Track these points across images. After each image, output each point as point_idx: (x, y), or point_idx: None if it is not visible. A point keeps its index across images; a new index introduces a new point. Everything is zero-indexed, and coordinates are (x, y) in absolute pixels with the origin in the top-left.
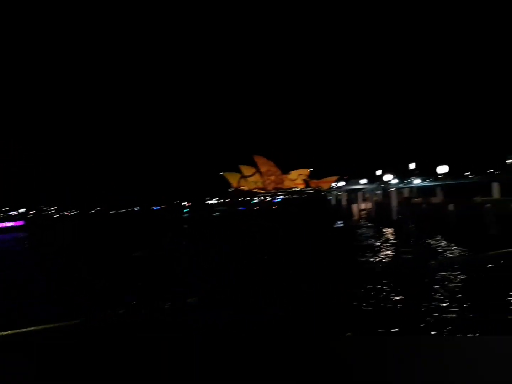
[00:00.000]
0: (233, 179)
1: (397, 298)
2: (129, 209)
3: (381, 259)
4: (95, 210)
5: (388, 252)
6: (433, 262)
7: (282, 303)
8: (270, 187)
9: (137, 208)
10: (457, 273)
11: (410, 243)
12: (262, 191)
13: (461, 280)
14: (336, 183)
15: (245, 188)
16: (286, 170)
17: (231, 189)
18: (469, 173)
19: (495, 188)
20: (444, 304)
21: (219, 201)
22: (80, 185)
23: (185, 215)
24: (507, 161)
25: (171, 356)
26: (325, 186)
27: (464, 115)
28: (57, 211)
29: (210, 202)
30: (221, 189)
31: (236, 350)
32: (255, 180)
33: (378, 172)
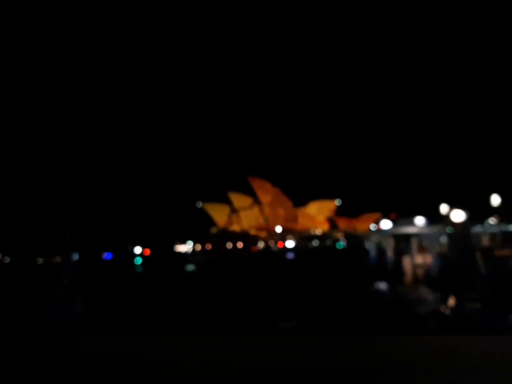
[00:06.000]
0: (218, 213)
1: None
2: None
3: None
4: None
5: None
6: None
7: None
8: (277, 225)
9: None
10: None
11: None
12: (263, 233)
13: None
14: (377, 223)
15: (237, 227)
16: (300, 202)
17: (216, 229)
18: None
19: None
20: None
21: (196, 247)
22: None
23: (137, 267)
24: None
25: None
26: (360, 228)
27: None
28: None
29: (181, 248)
30: (200, 228)
31: None
32: (253, 215)
33: (443, 208)
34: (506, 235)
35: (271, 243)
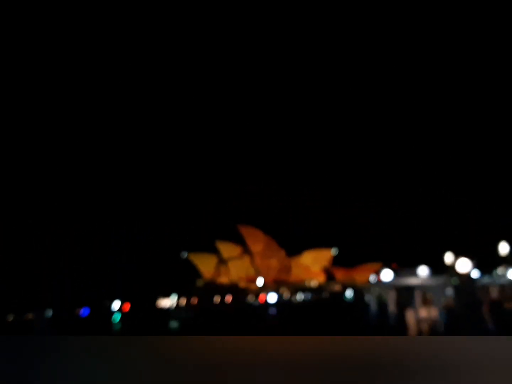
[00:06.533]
0: (205, 264)
1: None
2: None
3: None
4: None
5: None
6: None
7: None
8: (269, 277)
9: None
10: None
11: None
12: (254, 285)
13: None
14: (377, 274)
15: (225, 279)
16: (294, 251)
17: (202, 282)
18: None
19: None
20: None
21: (181, 301)
22: None
23: (114, 323)
24: None
25: None
26: (359, 279)
27: None
28: None
29: (164, 303)
30: (185, 281)
31: None
32: (242, 265)
33: (448, 257)
34: None
35: (251, 297)
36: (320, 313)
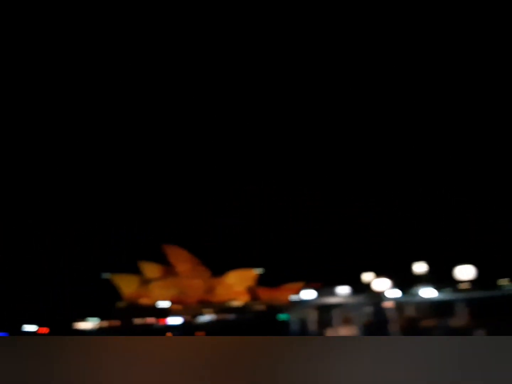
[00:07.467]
0: (127, 284)
1: None
2: None
3: None
4: None
5: None
6: None
7: None
8: (193, 297)
9: None
10: None
11: None
12: (178, 306)
13: None
14: (299, 293)
15: (148, 300)
16: (218, 271)
17: (124, 303)
18: (508, 279)
19: None
20: None
21: (102, 323)
22: None
23: None
24: None
25: None
26: (282, 299)
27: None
28: None
29: (83, 326)
30: (105, 302)
31: None
32: (166, 286)
33: (367, 277)
34: (431, 304)
35: (151, 320)
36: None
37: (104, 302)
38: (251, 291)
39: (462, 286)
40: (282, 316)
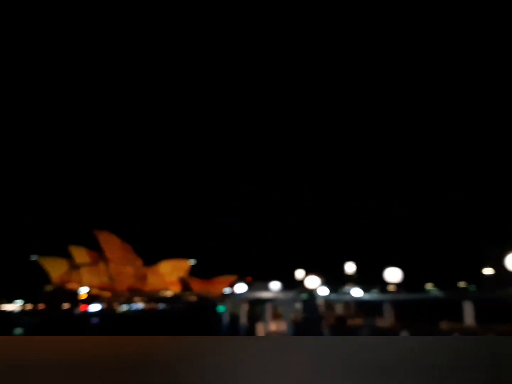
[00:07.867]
0: (55, 268)
1: None
2: None
3: None
4: None
5: None
6: None
7: None
8: (123, 285)
9: None
10: None
11: None
12: (107, 293)
13: None
14: (232, 286)
15: (76, 285)
16: (151, 260)
17: (51, 287)
18: (432, 284)
19: (468, 309)
20: None
21: (27, 306)
22: None
23: None
24: (484, 271)
25: None
26: (214, 291)
27: (428, 197)
28: None
29: (8, 308)
30: (33, 285)
31: None
32: (96, 272)
33: (299, 274)
34: (359, 303)
35: (74, 305)
36: (159, 323)
37: (31, 284)
38: (183, 281)
39: (390, 288)
40: (220, 308)
